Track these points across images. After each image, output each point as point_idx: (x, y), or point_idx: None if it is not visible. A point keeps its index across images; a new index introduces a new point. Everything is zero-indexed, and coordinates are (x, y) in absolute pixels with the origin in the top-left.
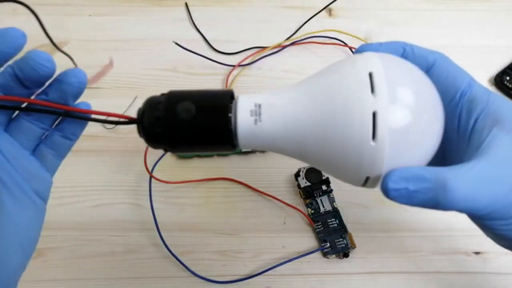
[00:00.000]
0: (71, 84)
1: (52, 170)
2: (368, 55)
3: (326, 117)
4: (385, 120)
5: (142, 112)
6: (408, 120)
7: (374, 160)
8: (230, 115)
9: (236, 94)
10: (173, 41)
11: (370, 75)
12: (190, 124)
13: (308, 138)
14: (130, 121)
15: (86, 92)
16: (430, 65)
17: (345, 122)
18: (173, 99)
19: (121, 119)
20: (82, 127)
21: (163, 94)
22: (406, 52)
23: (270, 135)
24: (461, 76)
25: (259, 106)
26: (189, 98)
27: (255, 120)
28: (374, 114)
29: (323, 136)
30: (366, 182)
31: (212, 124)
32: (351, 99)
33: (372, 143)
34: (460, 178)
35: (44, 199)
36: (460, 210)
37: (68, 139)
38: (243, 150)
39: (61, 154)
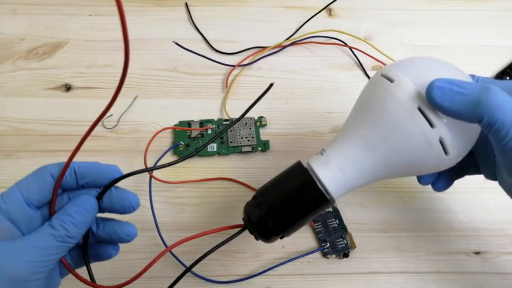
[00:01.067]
0: (123, 239)
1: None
2: (404, 84)
3: (401, 158)
4: (449, 139)
5: (247, 218)
6: (460, 130)
7: (450, 162)
8: (319, 187)
9: (304, 163)
10: (173, 41)
11: (420, 109)
12: (292, 208)
13: (387, 173)
14: (242, 229)
15: (86, 92)
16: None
17: (421, 156)
18: (266, 196)
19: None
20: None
21: (254, 198)
22: None
23: (354, 183)
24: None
25: (338, 168)
26: (277, 189)
27: (336, 177)
28: (441, 141)
29: (401, 169)
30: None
31: (310, 200)
32: (417, 139)
33: (446, 156)
34: (500, 85)
35: None
36: (494, 117)
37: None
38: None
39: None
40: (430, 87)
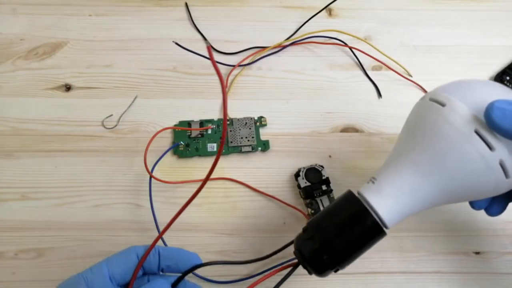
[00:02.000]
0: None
1: None
2: (458, 108)
3: (458, 183)
4: (509, 162)
5: (299, 252)
6: None
7: (510, 185)
8: (374, 217)
9: (354, 191)
10: (173, 41)
11: (477, 132)
12: (347, 240)
13: (443, 199)
14: (295, 266)
15: (86, 92)
16: None
17: (480, 181)
18: (318, 229)
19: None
20: None
21: (304, 230)
22: None
23: (409, 211)
24: None
25: (392, 196)
26: (330, 221)
27: (391, 209)
28: (501, 164)
29: (458, 195)
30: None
31: (365, 231)
32: (476, 163)
33: (506, 180)
34: None
35: None
36: None
37: None
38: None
39: None
40: (490, 109)
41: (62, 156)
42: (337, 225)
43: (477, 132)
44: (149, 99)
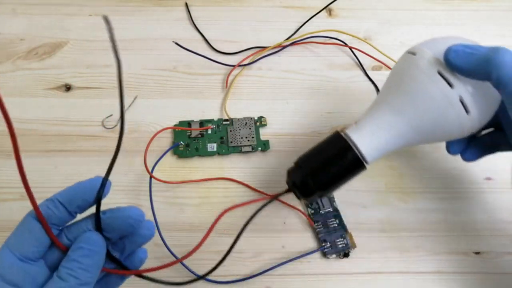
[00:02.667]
0: (144, 237)
1: None
2: (425, 57)
3: (426, 120)
4: (468, 98)
5: (292, 182)
6: (475, 86)
7: (472, 123)
8: (355, 150)
9: (339, 131)
10: (173, 41)
11: (439, 73)
12: (331, 169)
13: (415, 136)
14: (287, 190)
15: (86, 92)
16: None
17: (444, 117)
18: (307, 161)
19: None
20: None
21: (295, 163)
22: None
23: (385, 147)
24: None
25: (370, 133)
26: (317, 155)
27: (370, 141)
28: (461, 100)
29: (428, 132)
30: (469, 133)
31: (347, 163)
32: (439, 100)
33: (467, 116)
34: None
35: None
36: (500, 73)
37: None
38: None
39: None
40: (448, 51)
41: (62, 156)
42: (323, 158)
43: (439, 73)
44: (149, 99)
